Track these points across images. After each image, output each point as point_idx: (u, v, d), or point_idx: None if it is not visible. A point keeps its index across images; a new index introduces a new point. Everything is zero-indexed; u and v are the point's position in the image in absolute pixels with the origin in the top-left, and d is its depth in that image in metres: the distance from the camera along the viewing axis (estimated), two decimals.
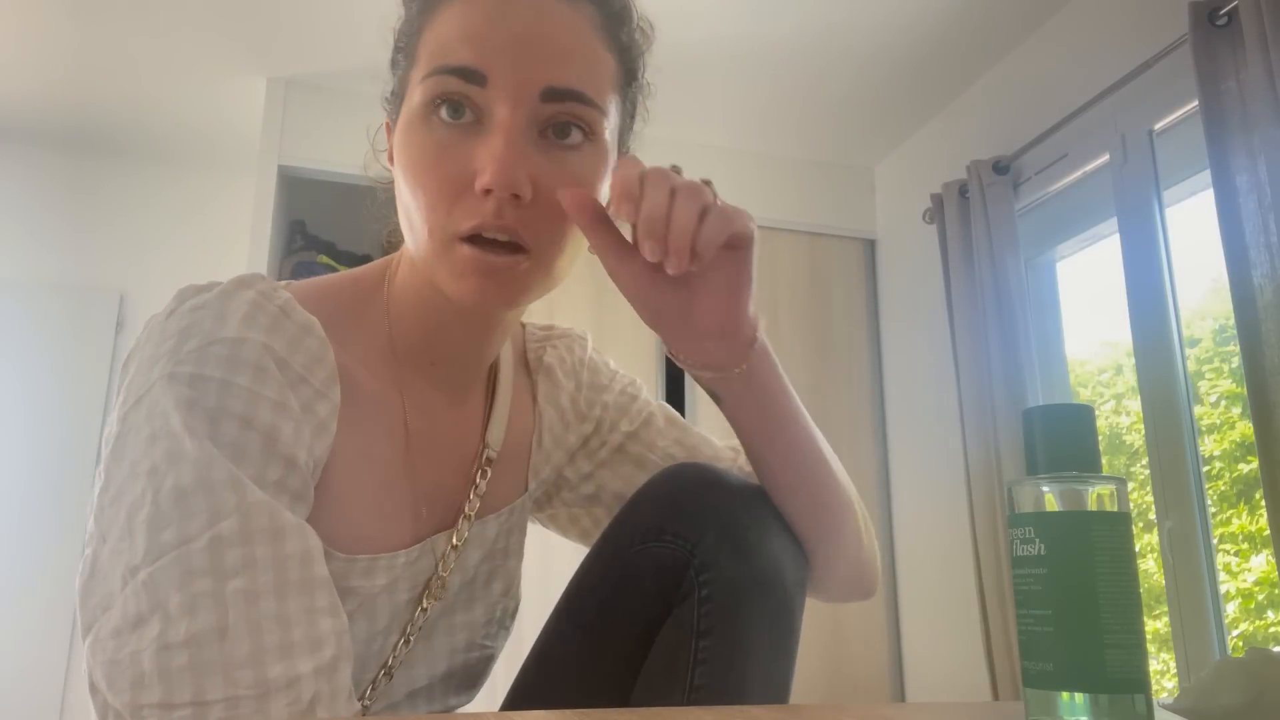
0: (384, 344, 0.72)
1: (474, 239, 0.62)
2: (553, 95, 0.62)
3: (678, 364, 0.73)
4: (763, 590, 0.71)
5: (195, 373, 0.58)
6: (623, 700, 0.73)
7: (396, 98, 0.70)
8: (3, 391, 2.86)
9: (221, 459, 0.56)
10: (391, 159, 0.69)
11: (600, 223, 0.64)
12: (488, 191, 0.61)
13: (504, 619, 0.83)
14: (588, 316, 2.61)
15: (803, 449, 0.75)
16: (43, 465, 2.83)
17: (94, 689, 0.55)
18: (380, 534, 0.69)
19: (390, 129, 0.70)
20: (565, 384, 0.86)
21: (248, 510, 0.56)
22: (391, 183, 0.72)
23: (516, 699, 0.79)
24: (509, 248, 0.63)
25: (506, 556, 0.82)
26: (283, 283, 0.69)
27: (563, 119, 0.64)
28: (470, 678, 0.81)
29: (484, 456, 0.78)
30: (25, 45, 2.51)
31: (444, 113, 0.63)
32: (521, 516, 0.84)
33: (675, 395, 2.71)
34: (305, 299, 0.68)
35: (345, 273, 0.76)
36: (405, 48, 0.69)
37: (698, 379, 0.73)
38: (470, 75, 0.62)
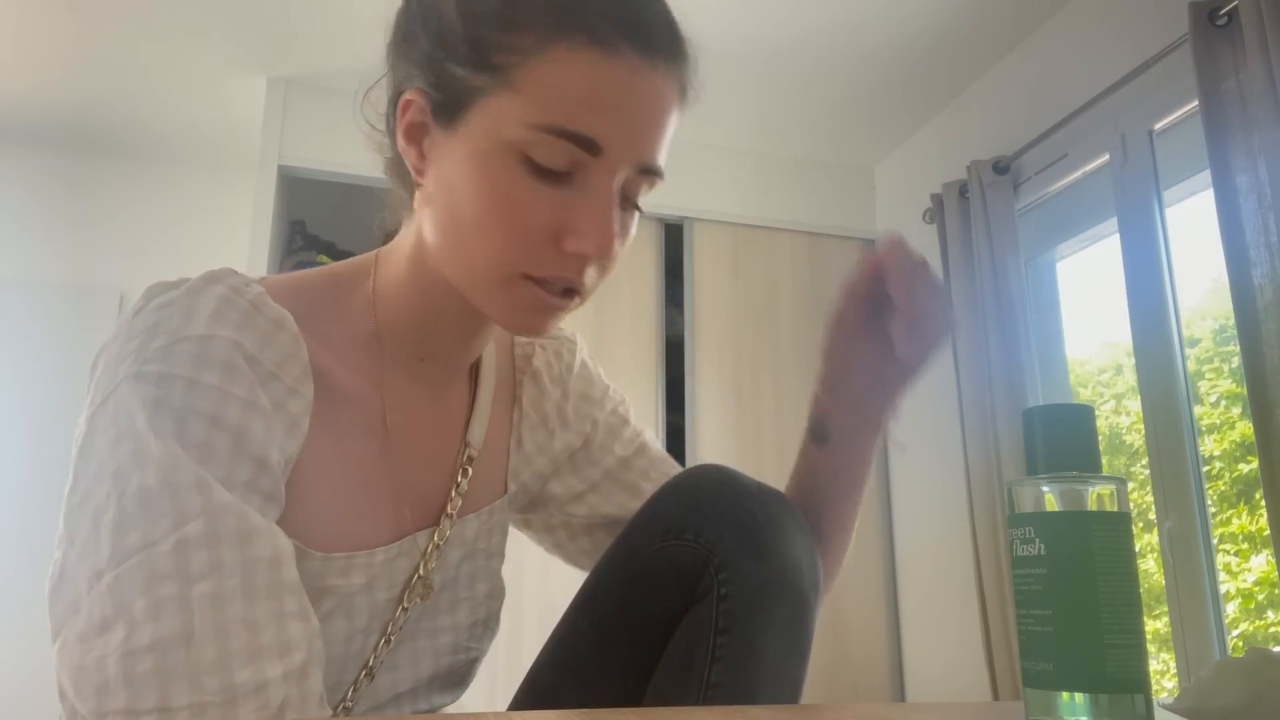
0: (365, 339, 0.72)
1: (539, 279, 0.64)
2: (645, 170, 0.65)
3: (816, 406, 0.80)
4: (780, 591, 0.72)
5: (162, 371, 0.58)
6: (637, 696, 0.73)
7: (449, 93, 0.65)
8: (3, 391, 2.86)
9: (187, 460, 0.56)
10: (410, 141, 0.67)
11: (861, 303, 0.73)
12: (579, 254, 0.63)
13: (489, 620, 0.83)
14: (590, 315, 2.61)
15: (858, 505, 0.85)
16: (43, 466, 2.83)
17: (62, 694, 0.55)
18: (357, 532, 0.69)
19: (423, 116, 0.66)
20: (551, 391, 0.86)
21: (214, 512, 0.55)
22: (394, 165, 0.71)
23: (529, 695, 0.79)
24: (566, 292, 0.66)
25: (489, 557, 0.82)
26: (257, 277, 0.68)
27: (638, 187, 0.67)
28: (455, 678, 0.81)
29: (465, 455, 0.78)
30: (26, 45, 2.51)
31: (542, 163, 0.62)
32: (501, 517, 0.84)
33: (675, 394, 2.71)
34: (280, 293, 0.67)
35: (322, 268, 0.75)
36: (490, 50, 0.63)
37: (822, 418, 0.80)
38: (590, 145, 0.62)
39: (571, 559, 0.94)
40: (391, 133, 0.70)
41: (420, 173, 0.67)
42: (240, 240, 2.73)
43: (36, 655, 3.01)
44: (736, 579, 0.71)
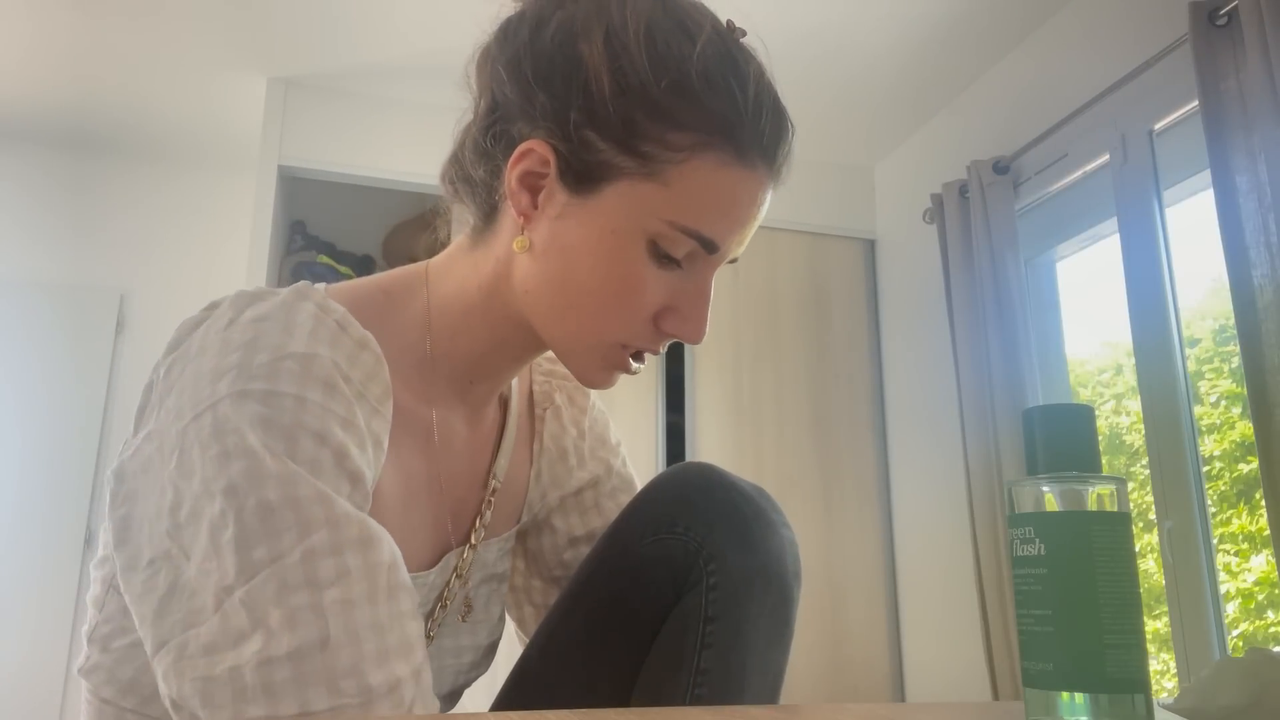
0: (418, 357, 0.72)
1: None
2: (731, 261, 0.72)
3: None
4: (765, 581, 0.75)
5: (269, 389, 0.58)
6: (629, 685, 0.75)
7: (585, 161, 0.66)
8: (2, 392, 2.86)
9: (305, 474, 0.57)
10: (524, 187, 0.67)
11: None
12: (674, 336, 0.69)
13: (497, 644, 0.85)
14: None
15: None
16: (42, 465, 2.83)
17: (177, 706, 0.55)
18: (412, 549, 0.70)
19: (545, 169, 0.67)
20: (570, 428, 0.89)
21: (337, 521, 0.56)
22: (465, 182, 0.72)
23: (519, 686, 0.80)
24: (641, 355, 0.72)
25: (500, 582, 0.85)
26: (321, 286, 0.68)
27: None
28: (459, 696, 0.84)
29: (490, 487, 0.80)
30: (26, 45, 2.51)
31: (665, 252, 0.66)
32: (512, 544, 0.86)
33: (675, 394, 2.71)
34: (349, 310, 0.67)
35: (372, 281, 0.75)
36: (642, 138, 0.64)
37: None
38: (711, 248, 0.67)
39: (514, 599, 0.93)
40: (486, 157, 0.70)
41: (529, 220, 0.68)
42: (240, 240, 2.73)
43: (34, 651, 2.99)
44: (725, 570, 0.74)
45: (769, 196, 0.70)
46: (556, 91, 0.66)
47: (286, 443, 0.57)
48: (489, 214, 0.71)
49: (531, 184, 0.67)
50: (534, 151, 0.66)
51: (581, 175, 0.66)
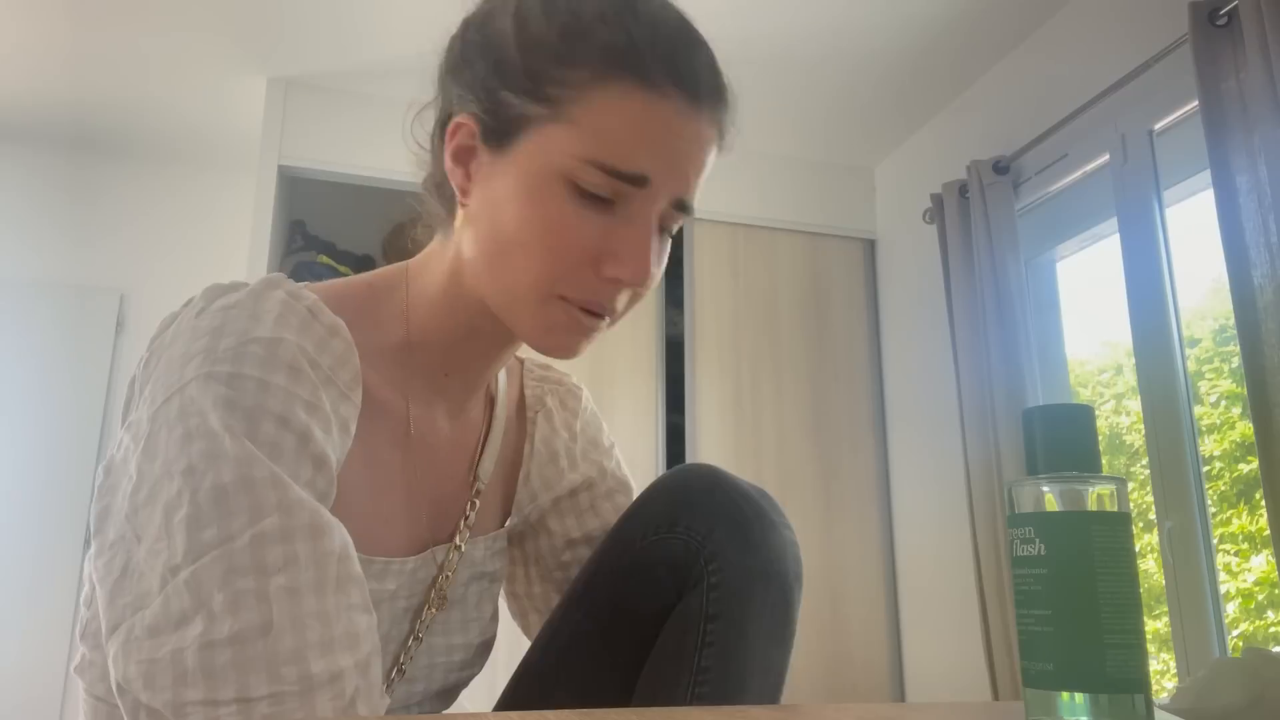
0: (395, 349, 0.73)
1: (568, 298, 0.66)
2: (680, 206, 0.68)
3: None
4: (766, 581, 0.75)
5: (233, 372, 0.59)
6: (630, 684, 0.76)
7: (501, 119, 0.67)
8: (2, 392, 2.86)
9: (261, 457, 0.57)
10: (457, 163, 0.69)
11: None
12: (616, 279, 0.65)
13: (491, 642, 0.85)
14: None
15: None
16: (42, 465, 2.83)
17: (122, 689, 0.55)
18: (382, 538, 0.71)
19: (472, 140, 0.68)
20: (561, 431, 0.89)
21: (289, 507, 0.56)
22: (433, 183, 0.73)
23: (521, 686, 0.81)
24: (597, 314, 0.67)
25: (492, 581, 0.85)
26: (303, 284, 0.70)
27: (672, 218, 0.69)
28: (452, 696, 0.84)
29: (474, 488, 0.80)
30: (26, 45, 2.51)
31: (588, 190, 0.64)
32: (503, 544, 0.86)
33: (675, 394, 2.71)
34: (326, 301, 0.68)
35: (359, 277, 0.76)
36: (546, 82, 0.65)
37: None
38: (636, 181, 0.65)
39: (519, 607, 0.94)
40: (436, 153, 0.72)
41: (465, 193, 0.69)
42: (240, 240, 2.73)
43: (34, 651, 2.99)
44: (725, 569, 0.74)
45: (703, 128, 0.67)
46: (476, 68, 0.68)
47: (247, 424, 0.57)
48: (452, 207, 0.73)
49: (465, 159, 0.69)
50: (461, 125, 0.68)
51: (500, 134, 0.67)
